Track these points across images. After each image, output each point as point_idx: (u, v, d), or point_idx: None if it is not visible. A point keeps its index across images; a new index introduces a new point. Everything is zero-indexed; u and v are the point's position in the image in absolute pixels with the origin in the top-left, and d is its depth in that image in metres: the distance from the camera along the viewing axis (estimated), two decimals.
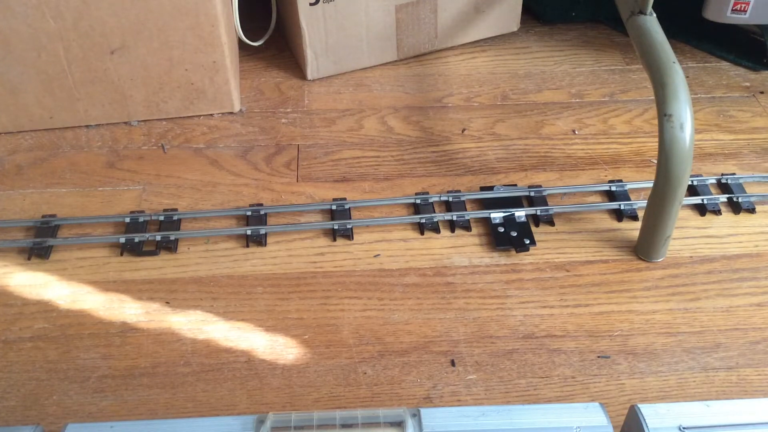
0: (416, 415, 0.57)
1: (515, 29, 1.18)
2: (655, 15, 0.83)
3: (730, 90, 1.09)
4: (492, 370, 0.74)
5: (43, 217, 0.88)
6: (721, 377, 0.73)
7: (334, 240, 0.87)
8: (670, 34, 0.81)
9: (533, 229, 0.88)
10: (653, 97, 0.77)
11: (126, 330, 0.78)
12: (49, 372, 0.74)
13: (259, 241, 0.86)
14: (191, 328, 0.78)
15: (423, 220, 0.88)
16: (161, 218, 0.88)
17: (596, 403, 0.58)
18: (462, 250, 0.86)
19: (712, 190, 0.92)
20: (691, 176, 0.90)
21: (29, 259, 0.84)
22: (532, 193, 0.91)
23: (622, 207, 0.89)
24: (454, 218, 0.88)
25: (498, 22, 1.16)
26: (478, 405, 0.70)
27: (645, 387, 0.72)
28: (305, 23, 1.03)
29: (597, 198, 0.92)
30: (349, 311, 0.79)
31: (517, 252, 0.85)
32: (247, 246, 0.86)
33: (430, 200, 0.90)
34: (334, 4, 1.03)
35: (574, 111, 1.05)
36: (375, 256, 0.85)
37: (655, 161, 0.78)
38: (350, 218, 0.88)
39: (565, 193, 0.92)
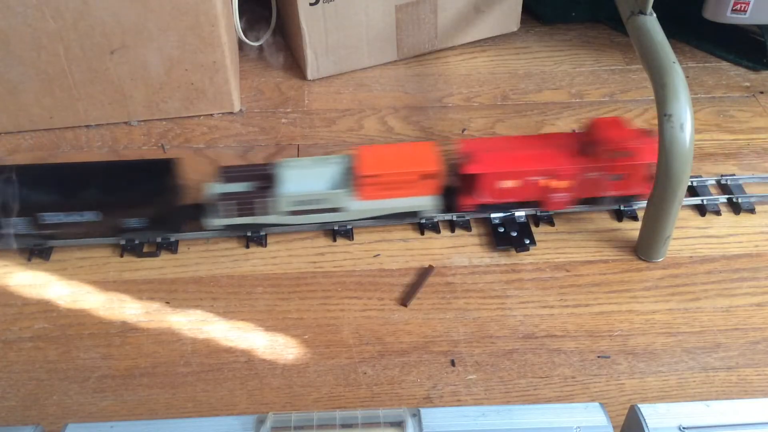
0: (416, 415, 0.57)
1: (515, 29, 1.18)
2: (655, 15, 0.83)
3: (730, 90, 1.09)
4: (492, 370, 0.74)
5: None
6: (721, 377, 0.73)
7: (334, 240, 0.87)
8: (670, 34, 0.81)
9: (533, 229, 0.88)
10: (653, 97, 0.77)
11: (126, 330, 0.78)
12: (49, 372, 0.74)
13: (260, 241, 0.86)
14: (191, 328, 0.78)
15: (423, 220, 0.88)
16: None
17: (596, 403, 0.58)
18: (462, 250, 0.86)
19: (712, 191, 0.92)
20: (691, 177, 0.90)
21: (30, 260, 0.84)
22: None
23: (622, 207, 0.89)
24: (454, 218, 0.88)
25: (498, 22, 1.16)
26: (478, 405, 0.70)
27: (645, 387, 0.72)
28: (305, 23, 1.03)
29: None
30: (349, 311, 0.79)
31: (517, 252, 0.85)
32: (247, 246, 0.86)
33: None
34: (334, 4, 1.03)
35: (574, 111, 1.05)
36: (375, 256, 0.85)
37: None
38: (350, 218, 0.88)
39: None
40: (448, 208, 0.88)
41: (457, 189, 0.87)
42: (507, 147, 0.87)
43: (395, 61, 1.13)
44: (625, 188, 0.86)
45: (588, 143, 0.85)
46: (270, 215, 0.84)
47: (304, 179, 0.84)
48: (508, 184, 0.85)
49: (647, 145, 0.84)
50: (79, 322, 0.78)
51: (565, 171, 0.84)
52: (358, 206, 0.84)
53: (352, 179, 0.84)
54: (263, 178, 0.84)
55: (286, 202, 0.83)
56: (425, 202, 0.85)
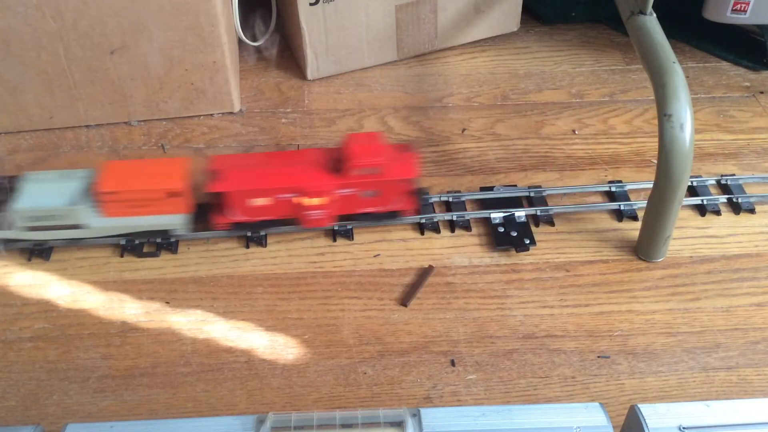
0: (416, 415, 0.57)
1: (515, 29, 1.18)
2: (655, 15, 0.83)
3: (730, 90, 1.09)
4: (492, 370, 0.74)
5: None
6: (721, 377, 0.73)
7: (334, 240, 0.87)
8: (670, 34, 0.81)
9: (533, 229, 0.88)
10: (653, 97, 0.77)
11: (126, 330, 0.78)
12: (49, 372, 0.74)
13: (260, 241, 0.86)
14: (191, 328, 0.78)
15: (423, 220, 0.88)
16: None
17: (596, 403, 0.58)
18: (462, 250, 0.86)
19: (712, 191, 0.92)
20: (691, 177, 0.90)
21: (30, 260, 0.84)
22: (532, 194, 0.91)
23: (622, 207, 0.89)
24: (454, 218, 0.88)
25: (498, 22, 1.16)
26: (478, 405, 0.70)
27: (645, 387, 0.72)
28: (305, 23, 1.03)
29: (597, 198, 0.92)
30: (349, 311, 0.79)
31: (517, 252, 0.85)
32: (248, 246, 0.86)
33: (430, 200, 0.90)
34: (334, 4, 1.03)
35: (574, 111, 1.05)
36: (375, 256, 0.85)
37: (655, 161, 0.78)
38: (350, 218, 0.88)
39: (565, 194, 0.92)
40: (203, 226, 0.85)
41: (210, 207, 0.84)
42: (258, 164, 0.84)
43: (395, 61, 1.13)
44: (383, 204, 0.85)
45: (339, 160, 0.83)
46: (6, 230, 0.81)
47: (44, 194, 0.81)
48: (259, 201, 0.82)
49: (400, 161, 0.83)
50: (79, 322, 0.78)
51: (315, 188, 0.82)
52: (100, 223, 0.82)
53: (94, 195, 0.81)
54: (0, 192, 0.81)
55: (21, 217, 0.80)
56: (174, 221, 0.83)
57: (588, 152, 0.98)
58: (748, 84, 1.10)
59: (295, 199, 0.83)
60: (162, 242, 0.86)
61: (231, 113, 1.05)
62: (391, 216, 0.86)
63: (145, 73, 0.98)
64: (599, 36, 1.20)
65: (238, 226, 0.85)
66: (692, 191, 0.91)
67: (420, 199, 0.87)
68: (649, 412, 0.57)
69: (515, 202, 0.90)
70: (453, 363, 0.74)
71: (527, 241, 0.85)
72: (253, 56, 1.14)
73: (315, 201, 0.82)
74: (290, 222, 0.85)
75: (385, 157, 0.82)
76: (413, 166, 0.84)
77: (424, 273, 0.83)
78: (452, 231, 0.88)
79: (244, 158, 0.88)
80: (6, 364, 0.75)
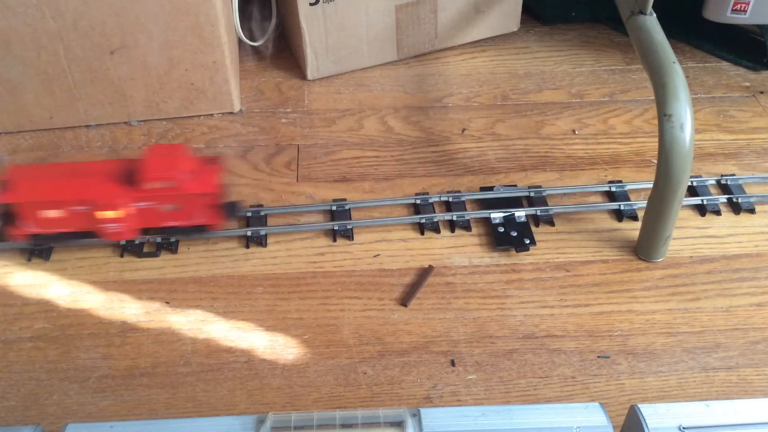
0: (416, 415, 0.57)
1: (515, 29, 1.18)
2: (655, 15, 0.83)
3: (730, 90, 1.09)
4: (492, 370, 0.74)
5: None
6: (721, 377, 0.73)
7: (334, 240, 0.87)
8: (670, 34, 0.81)
9: (533, 229, 0.88)
10: (653, 97, 0.77)
11: (126, 330, 0.78)
12: (49, 372, 0.74)
13: (260, 241, 0.86)
14: (191, 328, 0.78)
15: (423, 220, 0.88)
16: None
17: (596, 403, 0.58)
18: (462, 250, 0.86)
19: (712, 191, 0.92)
20: (691, 177, 0.91)
21: (30, 260, 0.84)
22: (532, 194, 0.91)
23: (622, 207, 0.89)
24: (454, 218, 0.88)
25: (498, 22, 1.16)
26: (478, 405, 0.70)
27: (645, 387, 0.72)
28: (305, 23, 1.03)
29: (597, 198, 0.92)
30: (349, 311, 0.79)
31: (517, 252, 0.85)
32: (248, 246, 0.86)
33: (430, 200, 0.90)
34: (334, 4, 1.03)
35: (574, 111, 1.05)
36: (375, 256, 0.85)
37: (655, 161, 0.78)
38: (350, 218, 0.88)
39: (565, 194, 0.92)
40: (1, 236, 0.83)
41: (5, 217, 0.81)
42: (54, 174, 0.81)
43: (395, 61, 1.13)
44: (185, 218, 0.82)
45: (135, 172, 0.80)
46: None
47: None
48: (51, 213, 0.80)
49: (200, 174, 0.81)
50: (79, 322, 0.78)
51: (106, 201, 0.80)
52: None
53: None
54: None
55: None
56: None
57: (588, 152, 0.98)
58: (748, 84, 1.10)
59: (89, 212, 0.80)
60: (162, 242, 0.86)
61: (231, 113, 1.05)
62: (198, 230, 0.84)
63: (145, 73, 0.98)
64: (599, 36, 1.20)
65: (38, 237, 0.82)
66: (692, 191, 0.91)
67: (231, 213, 0.84)
68: (649, 412, 0.57)
69: (515, 202, 0.90)
70: (453, 363, 0.74)
71: (527, 241, 0.85)
72: (253, 56, 1.14)
73: (110, 214, 0.80)
74: (89, 235, 0.83)
75: (181, 170, 0.80)
76: (214, 180, 0.81)
77: (424, 273, 0.83)
78: (452, 231, 0.88)
79: (42, 168, 0.85)
80: (6, 364, 0.75)
